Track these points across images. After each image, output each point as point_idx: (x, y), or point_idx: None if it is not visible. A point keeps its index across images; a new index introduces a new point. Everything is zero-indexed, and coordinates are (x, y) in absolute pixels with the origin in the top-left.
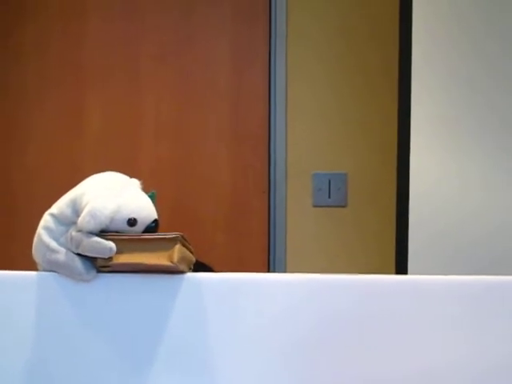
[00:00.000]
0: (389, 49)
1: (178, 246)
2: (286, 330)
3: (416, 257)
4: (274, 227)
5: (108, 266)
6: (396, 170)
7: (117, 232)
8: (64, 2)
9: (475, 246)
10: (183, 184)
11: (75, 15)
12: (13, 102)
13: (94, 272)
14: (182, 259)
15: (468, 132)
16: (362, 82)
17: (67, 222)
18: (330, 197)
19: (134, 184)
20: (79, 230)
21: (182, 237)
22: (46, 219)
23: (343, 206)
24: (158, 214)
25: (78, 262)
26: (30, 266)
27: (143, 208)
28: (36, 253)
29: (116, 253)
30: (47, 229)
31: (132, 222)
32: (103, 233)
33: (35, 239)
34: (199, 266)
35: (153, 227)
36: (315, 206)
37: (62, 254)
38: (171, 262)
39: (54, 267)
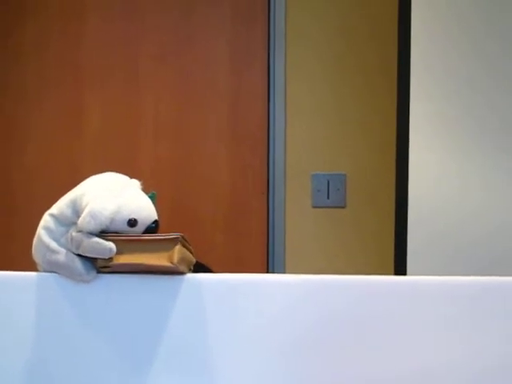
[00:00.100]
0: (388, 49)
1: (178, 247)
2: (285, 330)
3: (415, 257)
4: (273, 228)
5: (108, 267)
6: (395, 171)
7: (117, 232)
8: (63, 1)
9: (475, 246)
10: (182, 184)
11: (75, 15)
12: (12, 102)
13: (94, 272)
14: (182, 260)
15: (467, 132)
16: (361, 83)
17: (67, 222)
18: (328, 197)
19: (134, 184)
20: (79, 231)
21: (183, 237)
22: (46, 219)
23: (342, 207)
24: (158, 215)
25: (78, 263)
26: (30, 266)
27: (143, 208)
28: (36, 253)
29: (116, 253)
30: (47, 229)
31: (132, 223)
32: (103, 233)
33: (35, 239)
34: (198, 267)
35: (153, 228)
36: (314, 207)
37: (62, 255)
38: (171, 262)
39: (54, 268)
